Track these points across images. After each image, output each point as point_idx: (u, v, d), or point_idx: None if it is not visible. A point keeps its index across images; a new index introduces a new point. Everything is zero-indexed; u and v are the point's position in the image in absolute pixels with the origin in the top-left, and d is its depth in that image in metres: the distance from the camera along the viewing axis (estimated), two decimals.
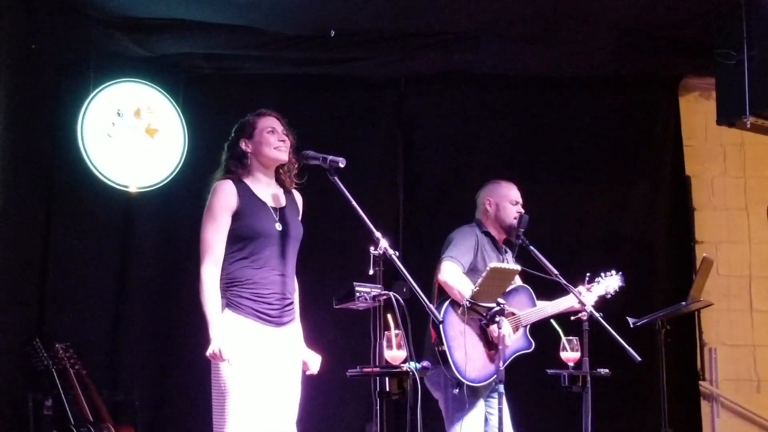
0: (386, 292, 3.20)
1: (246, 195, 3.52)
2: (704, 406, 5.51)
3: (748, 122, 4.50)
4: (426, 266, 4.25)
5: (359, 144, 5.39)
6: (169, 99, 5.13)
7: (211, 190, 3.52)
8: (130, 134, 5.00)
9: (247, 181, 3.57)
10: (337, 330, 4.93)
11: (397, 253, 3.26)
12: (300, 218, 3.69)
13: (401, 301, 3.18)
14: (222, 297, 3.46)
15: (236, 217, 3.49)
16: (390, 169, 5.54)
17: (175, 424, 5.21)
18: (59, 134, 4.97)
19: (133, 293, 5.23)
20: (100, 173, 4.90)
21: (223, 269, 3.47)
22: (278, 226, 3.55)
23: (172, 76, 5.26)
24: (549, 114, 5.61)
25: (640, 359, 3.85)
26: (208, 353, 3.36)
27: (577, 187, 5.51)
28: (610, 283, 4.45)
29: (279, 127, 3.63)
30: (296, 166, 3.65)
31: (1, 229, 4.43)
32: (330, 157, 3.37)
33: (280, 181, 3.67)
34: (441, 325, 3.92)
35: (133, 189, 4.98)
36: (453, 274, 4.05)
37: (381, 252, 3.22)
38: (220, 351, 3.33)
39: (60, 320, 4.99)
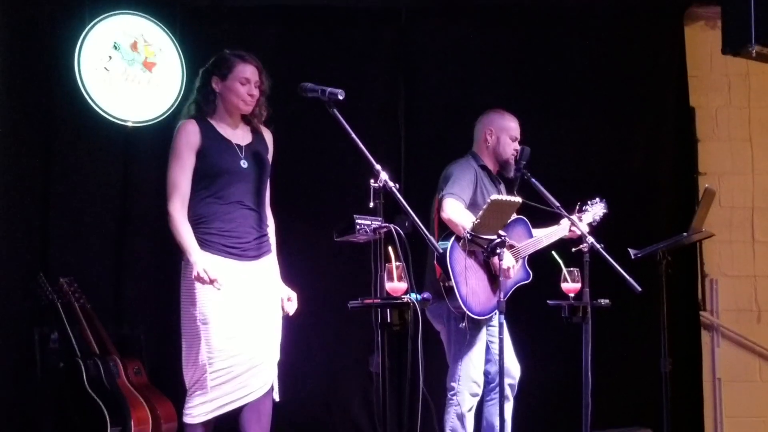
0: (386, 224, 3.20)
1: (209, 134, 3.57)
2: (704, 336, 5.55)
3: (754, 51, 4.45)
4: (428, 201, 4.25)
5: (360, 79, 5.31)
6: (166, 31, 5.05)
7: (176, 129, 3.58)
8: (127, 68, 4.95)
9: (213, 120, 3.61)
10: (337, 263, 4.96)
11: (398, 185, 3.26)
12: (270, 156, 3.73)
13: (402, 233, 3.19)
14: None
15: (200, 155, 3.54)
16: (391, 104, 5.47)
17: (181, 356, 5.26)
18: (56, 69, 4.91)
19: (135, 227, 5.23)
20: (98, 108, 4.86)
21: (190, 209, 3.53)
22: (243, 164, 3.59)
23: (168, 9, 5.17)
24: (551, 46, 5.53)
25: (640, 290, 3.87)
26: (193, 275, 3.44)
27: (580, 120, 5.45)
28: (596, 210, 4.48)
29: (254, 77, 3.63)
30: (265, 113, 3.70)
31: (1, 167, 4.42)
32: (329, 90, 3.35)
33: (247, 122, 3.69)
34: (447, 261, 3.93)
35: (131, 123, 4.95)
36: (456, 210, 4.04)
37: (381, 184, 3.22)
38: (204, 271, 3.41)
39: (63, 256, 5.00)
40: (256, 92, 3.63)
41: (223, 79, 3.61)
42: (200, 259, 3.44)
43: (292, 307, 3.72)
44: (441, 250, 3.84)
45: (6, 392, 4.48)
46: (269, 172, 3.70)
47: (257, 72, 3.64)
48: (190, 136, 3.54)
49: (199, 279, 3.42)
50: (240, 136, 3.65)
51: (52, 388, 4.62)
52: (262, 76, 3.66)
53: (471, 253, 3.97)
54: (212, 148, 3.55)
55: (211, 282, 3.41)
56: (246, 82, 3.60)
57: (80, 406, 4.52)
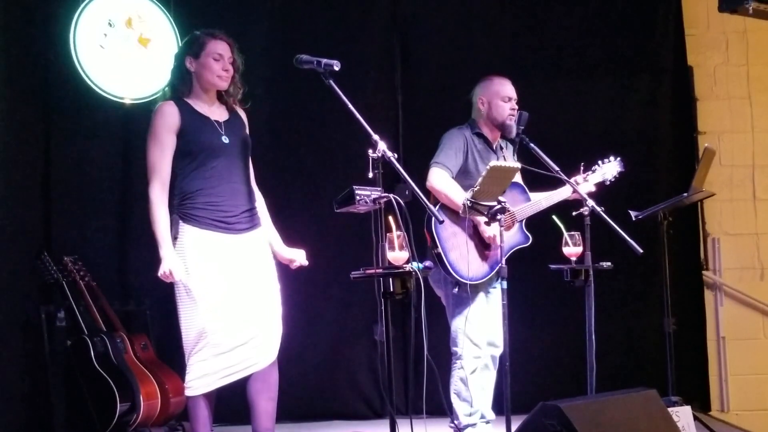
0: (386, 194, 3.21)
1: (187, 113, 3.59)
2: (708, 295, 5.57)
3: (751, 8, 4.40)
4: (427, 169, 4.25)
5: (355, 46, 5.29)
6: (160, 6, 5.04)
7: (153, 112, 3.60)
8: (122, 45, 4.93)
9: (189, 100, 3.64)
10: (339, 234, 4.97)
11: (396, 155, 3.26)
12: (247, 132, 3.75)
13: (402, 202, 3.20)
14: (177, 213, 3.56)
15: (181, 135, 3.57)
16: (388, 71, 5.45)
17: None
18: (52, 49, 4.89)
19: (137, 203, 5.22)
20: (95, 86, 4.86)
21: (174, 186, 3.57)
22: (225, 139, 3.62)
23: None
24: (548, 7, 5.50)
25: (642, 251, 3.88)
26: (159, 273, 3.47)
27: (578, 81, 5.43)
28: (608, 169, 4.46)
29: (227, 53, 3.66)
30: (241, 90, 3.72)
31: (2, 148, 4.42)
32: (324, 61, 3.36)
33: (223, 101, 3.72)
34: (434, 229, 3.96)
35: (128, 101, 4.95)
36: (440, 179, 4.08)
37: (379, 155, 3.23)
38: (170, 272, 3.44)
39: (67, 235, 5.01)
40: (230, 68, 3.66)
41: (197, 57, 3.63)
42: (169, 256, 3.47)
43: (301, 259, 3.76)
44: (441, 218, 3.86)
45: (15, 371, 4.52)
46: (250, 148, 3.74)
47: (229, 48, 3.68)
48: (168, 118, 3.57)
49: (165, 277, 3.47)
50: (217, 113, 3.69)
51: (60, 366, 4.65)
52: (234, 52, 3.69)
53: (459, 219, 3.99)
54: (191, 126, 3.58)
55: (174, 282, 3.48)
56: (219, 57, 3.63)
57: (89, 383, 4.55)
